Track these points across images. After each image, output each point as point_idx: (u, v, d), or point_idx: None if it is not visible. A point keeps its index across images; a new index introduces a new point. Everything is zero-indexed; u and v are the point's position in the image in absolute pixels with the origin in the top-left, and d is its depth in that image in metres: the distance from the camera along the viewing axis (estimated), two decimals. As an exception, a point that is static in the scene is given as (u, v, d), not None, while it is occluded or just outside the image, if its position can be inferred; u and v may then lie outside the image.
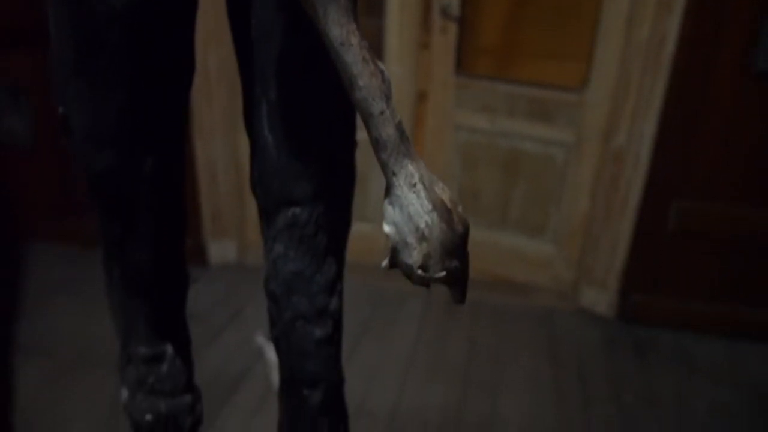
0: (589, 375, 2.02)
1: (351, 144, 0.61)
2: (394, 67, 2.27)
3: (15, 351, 2.02)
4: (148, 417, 0.46)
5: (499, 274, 2.50)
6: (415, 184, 0.50)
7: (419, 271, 0.50)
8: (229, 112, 2.32)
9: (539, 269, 2.45)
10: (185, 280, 0.56)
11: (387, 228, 0.51)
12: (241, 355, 1.99)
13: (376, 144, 0.50)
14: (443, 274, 0.50)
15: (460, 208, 0.53)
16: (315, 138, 0.53)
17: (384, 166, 0.51)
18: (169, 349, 0.48)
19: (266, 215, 0.58)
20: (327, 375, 0.44)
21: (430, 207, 0.51)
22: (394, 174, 0.50)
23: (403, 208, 0.50)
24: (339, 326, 0.48)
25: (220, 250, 2.54)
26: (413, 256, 0.50)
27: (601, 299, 2.33)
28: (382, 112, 0.47)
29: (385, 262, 0.52)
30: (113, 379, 1.89)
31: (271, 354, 1.07)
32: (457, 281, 0.53)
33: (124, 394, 0.47)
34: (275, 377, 1.02)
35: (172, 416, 0.47)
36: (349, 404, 1.85)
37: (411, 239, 0.50)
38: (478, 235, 2.49)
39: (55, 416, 1.74)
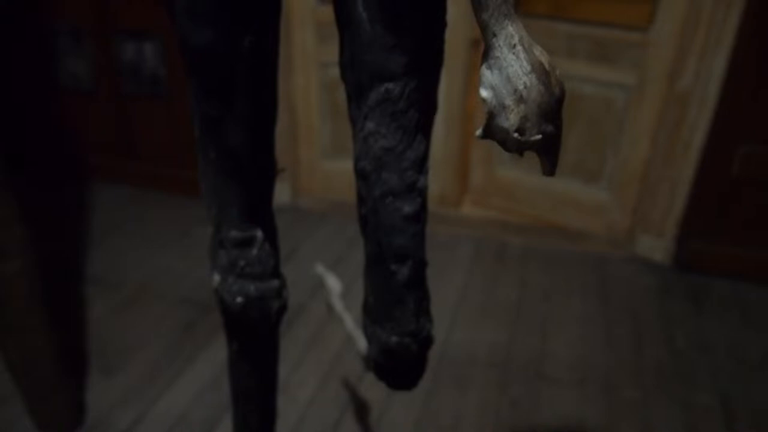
0: (641, 319, 2.00)
1: (442, 21, 0.60)
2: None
3: (85, 283, 2.14)
4: (239, 299, 0.49)
5: (552, 220, 2.48)
6: (514, 45, 0.50)
7: (515, 135, 0.50)
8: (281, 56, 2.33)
9: (593, 216, 2.41)
10: (275, 167, 0.58)
11: (484, 93, 0.51)
12: (296, 292, 2.04)
13: (478, 4, 0.49)
14: (539, 137, 0.50)
15: (558, 72, 0.53)
16: (408, 13, 0.53)
17: (484, 28, 0.51)
18: (259, 233, 0.50)
19: (358, 94, 0.57)
20: (415, 251, 0.46)
21: (529, 68, 0.50)
22: (494, 35, 0.50)
23: (502, 70, 0.50)
24: (426, 205, 0.49)
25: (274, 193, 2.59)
26: (510, 119, 0.50)
27: (656, 246, 2.28)
28: None
29: (479, 131, 0.52)
30: (177, 307, 2.00)
31: (331, 281, 1.10)
32: (550, 148, 0.52)
33: (216, 278, 0.50)
34: (336, 302, 1.06)
35: (261, 299, 0.50)
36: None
37: (509, 101, 0.50)
38: (531, 181, 2.48)
39: (125, 342, 1.85)
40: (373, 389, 1.68)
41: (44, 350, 1.46)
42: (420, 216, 0.49)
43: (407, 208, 0.47)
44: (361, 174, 0.47)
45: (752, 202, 2.10)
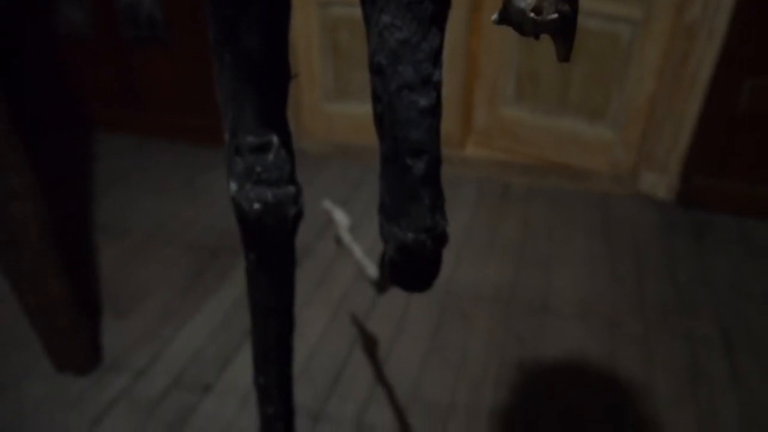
0: (644, 255, 2.02)
1: None
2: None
3: (94, 231, 2.17)
4: (256, 206, 0.50)
5: (556, 159, 2.47)
6: None
7: (532, 14, 0.49)
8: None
9: (597, 154, 2.40)
10: (289, 71, 0.58)
11: None
12: (303, 234, 2.07)
13: None
14: (555, 16, 0.49)
15: None
16: None
17: None
18: (275, 139, 0.51)
19: None
20: (430, 146, 0.46)
21: None
22: None
23: None
24: (440, 99, 0.49)
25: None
26: None
27: (660, 183, 2.28)
28: None
29: (495, 16, 0.51)
30: (186, 252, 2.03)
31: (338, 215, 1.12)
32: (567, 30, 0.51)
33: (233, 186, 0.50)
34: (345, 235, 1.08)
35: (278, 205, 0.51)
36: (407, 278, 1.91)
37: None
38: (535, 120, 2.46)
39: (136, 286, 1.89)
40: (381, 325, 1.72)
41: (59, 294, 1.49)
42: (435, 110, 0.49)
43: (423, 101, 0.47)
44: (377, 69, 0.47)
45: (757, 137, 2.09)
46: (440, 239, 0.50)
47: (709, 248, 2.07)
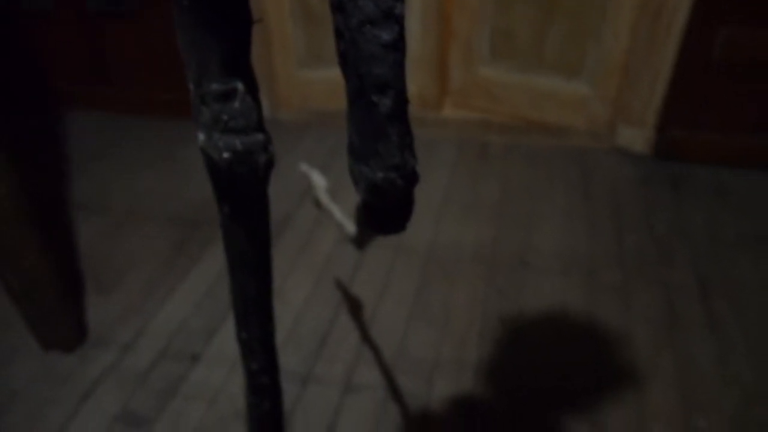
0: (622, 209, 2.05)
1: None
2: None
3: (73, 209, 2.14)
4: (226, 155, 0.50)
5: (533, 117, 2.48)
6: None
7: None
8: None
9: (574, 111, 2.41)
10: (251, 15, 0.57)
11: None
12: (282, 203, 2.07)
13: None
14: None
15: None
16: None
17: None
18: (240, 85, 0.50)
19: None
20: (395, 82, 0.46)
21: None
22: None
23: None
24: (403, 34, 0.49)
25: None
26: None
27: (637, 137, 2.30)
28: None
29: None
30: (166, 226, 2.02)
31: (316, 177, 1.12)
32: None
33: (201, 137, 0.50)
34: (323, 196, 1.08)
35: (247, 153, 0.50)
36: (388, 242, 1.94)
37: None
38: (511, 78, 2.45)
39: (118, 263, 1.88)
40: (365, 288, 1.73)
41: (39, 272, 1.48)
42: (398, 44, 0.48)
43: (385, 36, 0.46)
44: (337, 5, 0.46)
45: (732, 86, 2.10)
46: (410, 177, 0.50)
47: (686, 199, 2.11)
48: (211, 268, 1.83)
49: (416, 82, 2.45)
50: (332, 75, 2.57)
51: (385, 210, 0.53)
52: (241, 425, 1.38)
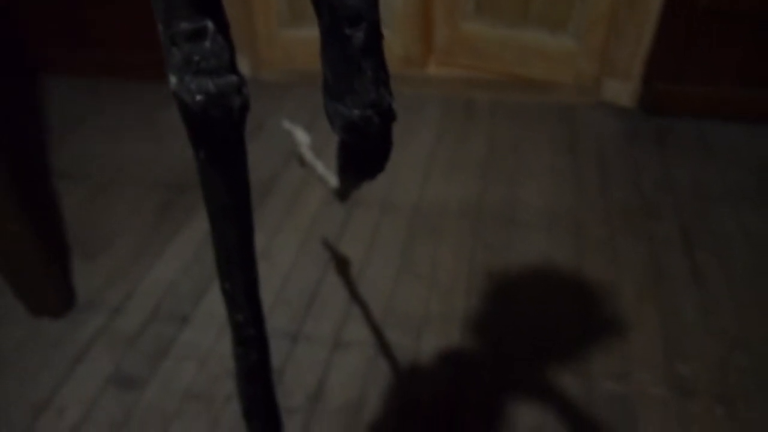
0: (608, 163, 2.06)
1: None
2: None
3: (54, 177, 2.11)
4: (199, 98, 0.49)
5: (519, 73, 2.46)
6: None
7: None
8: None
9: (560, 66, 2.39)
10: None
11: None
12: (267, 164, 2.06)
13: None
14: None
15: None
16: None
17: None
18: (210, 24, 0.49)
19: None
20: (368, 13, 0.45)
21: None
22: None
23: None
24: None
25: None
26: None
27: (623, 90, 2.30)
28: None
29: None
30: (151, 191, 2.00)
31: (299, 133, 1.10)
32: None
33: (173, 80, 0.49)
34: (306, 152, 1.07)
35: (221, 95, 0.49)
36: (374, 200, 1.94)
37: None
38: (497, 34, 2.42)
39: (103, 228, 1.87)
40: (352, 246, 1.74)
41: (21, 237, 1.47)
42: None
43: None
44: None
45: (718, 36, 2.09)
46: (387, 114, 0.49)
47: (671, 152, 2.11)
48: (197, 232, 1.82)
49: (400, 40, 2.41)
50: (315, 34, 2.49)
51: (363, 150, 0.53)
52: (232, 383, 1.39)
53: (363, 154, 0.53)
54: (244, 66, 2.50)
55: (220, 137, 0.53)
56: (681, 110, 2.25)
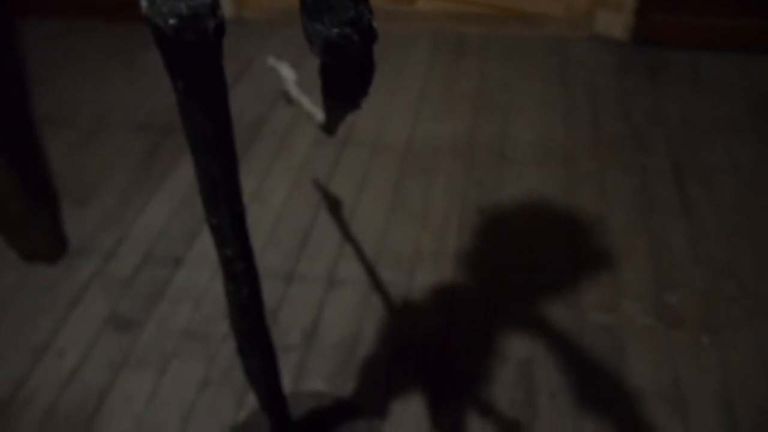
0: (600, 97, 2.03)
1: None
2: None
3: (38, 123, 2.07)
4: (172, 21, 0.47)
5: (510, 6, 2.39)
6: None
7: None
8: None
9: (552, -2, 2.33)
10: None
11: None
12: (256, 105, 2.02)
13: None
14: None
15: None
16: None
17: None
18: None
19: None
20: None
21: None
22: None
23: None
24: None
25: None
26: None
27: (616, 22, 2.24)
28: None
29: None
30: (137, 134, 1.97)
31: (284, 69, 1.08)
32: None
33: (144, 3, 0.47)
34: (292, 89, 1.05)
35: (194, 17, 0.48)
36: (365, 139, 1.92)
37: None
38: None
39: (91, 173, 1.84)
40: (343, 186, 1.73)
41: (6, 181, 1.45)
42: None
43: None
44: None
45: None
46: (367, 33, 0.48)
47: (663, 84, 2.09)
48: (186, 174, 1.80)
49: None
50: (299, -31, 2.43)
51: (344, 73, 0.51)
52: (227, 323, 1.41)
53: (345, 77, 0.52)
54: (226, 5, 2.41)
55: (196, 63, 0.52)
56: (674, 42, 2.21)
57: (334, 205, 1.66)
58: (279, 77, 1.04)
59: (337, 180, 1.76)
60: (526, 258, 1.54)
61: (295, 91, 1.00)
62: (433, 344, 1.36)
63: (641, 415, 1.22)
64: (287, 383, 1.25)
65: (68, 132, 2.02)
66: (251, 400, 1.24)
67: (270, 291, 1.43)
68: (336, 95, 0.55)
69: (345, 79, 0.52)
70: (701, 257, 1.52)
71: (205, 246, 1.59)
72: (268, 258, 1.55)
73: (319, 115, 0.86)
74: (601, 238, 1.58)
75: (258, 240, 1.57)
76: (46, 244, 1.59)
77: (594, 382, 1.28)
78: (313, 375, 1.31)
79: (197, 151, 0.59)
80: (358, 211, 1.66)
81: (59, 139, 1.99)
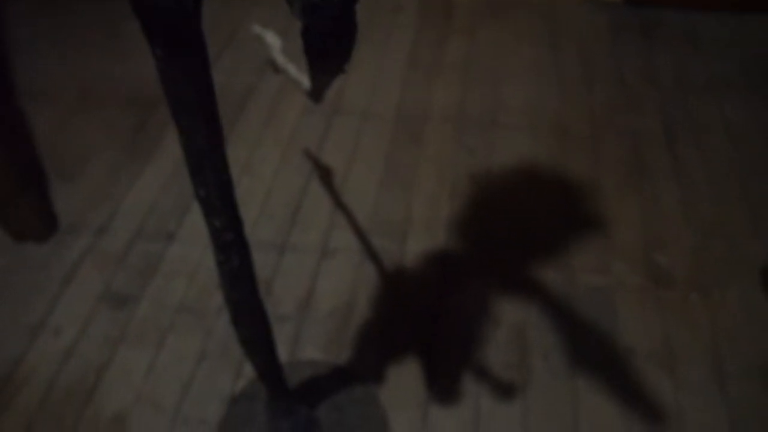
0: (593, 59, 2.01)
1: None
2: None
3: (23, 98, 2.03)
4: None
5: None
6: None
7: None
8: None
9: (542, -42, 2.28)
10: None
11: None
12: (243, 75, 1.99)
13: None
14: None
15: None
16: None
17: None
18: None
19: None
20: None
21: None
22: None
23: None
24: None
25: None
26: None
27: (607, -18, 2.21)
28: None
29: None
30: (123, 109, 1.94)
31: (270, 37, 1.05)
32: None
33: None
34: (278, 56, 1.03)
35: None
36: (354, 108, 1.90)
37: None
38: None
39: (79, 149, 1.82)
40: (334, 156, 1.72)
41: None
42: None
43: None
44: None
45: None
46: None
47: (657, 45, 2.07)
48: (175, 148, 1.76)
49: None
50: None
51: (326, 35, 0.50)
52: (222, 296, 1.42)
53: (326, 38, 0.50)
54: (210, -28, 2.36)
55: (175, 29, 0.50)
56: (667, 1, 2.17)
57: (325, 175, 1.65)
58: (265, 45, 1.02)
59: (327, 149, 1.74)
60: (518, 223, 1.54)
61: (280, 59, 0.98)
62: (426, 310, 1.37)
63: (633, 374, 1.24)
64: (283, 353, 1.26)
65: (53, 108, 1.99)
66: (248, 371, 1.25)
67: (263, 262, 1.44)
68: (319, 59, 0.54)
69: (327, 42, 0.50)
70: (691, 217, 1.53)
71: (197, 220, 1.57)
72: (260, 229, 1.54)
73: (306, 82, 0.85)
74: (593, 201, 1.58)
75: (250, 211, 1.57)
76: (36, 222, 1.58)
77: (586, 343, 1.30)
78: (309, 344, 1.32)
79: (180, 120, 0.58)
80: (349, 180, 1.66)
81: (44, 115, 1.96)
